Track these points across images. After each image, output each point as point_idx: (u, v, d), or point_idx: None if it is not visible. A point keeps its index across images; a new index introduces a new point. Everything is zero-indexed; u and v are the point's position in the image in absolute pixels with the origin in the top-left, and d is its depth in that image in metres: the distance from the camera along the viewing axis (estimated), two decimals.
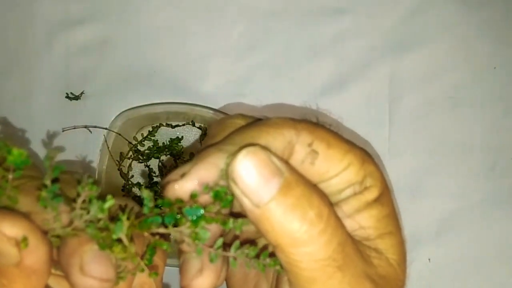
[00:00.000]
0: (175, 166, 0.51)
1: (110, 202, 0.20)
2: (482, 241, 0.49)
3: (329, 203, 0.21)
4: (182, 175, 0.21)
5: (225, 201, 0.21)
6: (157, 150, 0.51)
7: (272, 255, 0.22)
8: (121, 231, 0.20)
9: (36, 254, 0.20)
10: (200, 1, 0.52)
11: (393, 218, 0.24)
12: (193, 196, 0.21)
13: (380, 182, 0.23)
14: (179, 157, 0.51)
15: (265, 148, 0.20)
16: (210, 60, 0.52)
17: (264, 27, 0.52)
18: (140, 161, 0.51)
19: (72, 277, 0.21)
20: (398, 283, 0.23)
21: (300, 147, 0.22)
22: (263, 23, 0.52)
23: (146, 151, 0.51)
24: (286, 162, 0.21)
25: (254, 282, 0.27)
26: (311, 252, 0.20)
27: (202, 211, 0.21)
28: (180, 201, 0.21)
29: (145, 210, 0.21)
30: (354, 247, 0.22)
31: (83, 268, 0.21)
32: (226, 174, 0.20)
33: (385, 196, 0.24)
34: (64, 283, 0.25)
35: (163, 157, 0.52)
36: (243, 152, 0.20)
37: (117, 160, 0.50)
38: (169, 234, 0.21)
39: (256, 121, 0.24)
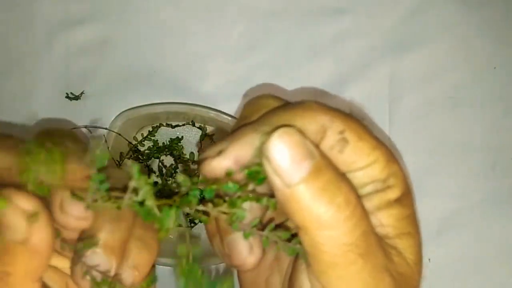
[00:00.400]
0: (175, 166, 0.51)
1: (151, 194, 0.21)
2: (482, 241, 0.49)
3: (356, 193, 0.22)
4: (219, 153, 0.22)
5: (258, 179, 0.21)
6: (157, 150, 0.51)
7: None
8: (169, 218, 0.21)
9: (42, 233, 0.21)
10: (200, 1, 0.52)
11: (413, 220, 0.24)
12: (228, 174, 0.22)
13: (402, 183, 0.24)
14: (179, 157, 0.51)
15: (299, 130, 0.21)
16: (210, 60, 0.52)
17: (264, 27, 0.52)
18: (140, 161, 0.51)
19: (53, 215, 0.22)
20: (414, 283, 0.24)
21: (332, 133, 0.22)
22: (263, 23, 0.52)
23: (146, 151, 0.51)
24: (318, 147, 0.21)
25: (267, 276, 0.27)
26: (335, 236, 0.20)
27: (238, 189, 0.21)
28: (215, 180, 0.22)
29: (183, 189, 0.21)
30: (377, 240, 0.22)
31: (62, 206, 0.22)
32: (260, 152, 0.21)
33: (407, 198, 0.24)
34: (59, 280, 0.26)
35: (163, 157, 0.52)
36: (278, 132, 0.20)
37: (117, 160, 0.50)
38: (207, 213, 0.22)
39: (288, 103, 0.25)
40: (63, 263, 0.26)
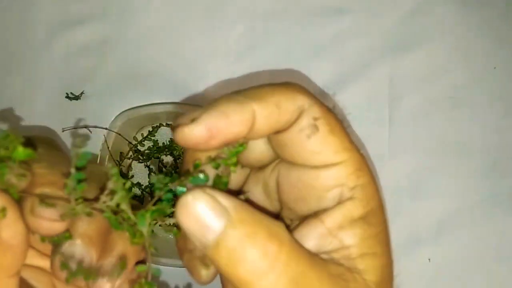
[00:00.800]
0: (175, 166, 0.51)
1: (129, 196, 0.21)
2: (482, 241, 0.49)
3: (281, 236, 0.21)
4: (193, 120, 0.21)
5: (222, 183, 0.22)
6: (157, 150, 0.51)
7: None
8: (144, 224, 0.21)
9: (13, 228, 0.21)
10: (200, 1, 0.52)
11: (381, 239, 0.23)
12: (196, 165, 0.22)
13: (371, 199, 0.23)
14: (179, 157, 0.51)
15: (210, 190, 0.21)
16: (210, 60, 0.52)
17: (264, 27, 0.52)
18: (140, 161, 0.51)
19: (25, 220, 0.22)
20: None
21: (306, 116, 0.22)
22: (263, 23, 0.52)
23: (146, 151, 0.51)
24: (233, 196, 0.21)
25: None
26: None
27: (205, 181, 0.22)
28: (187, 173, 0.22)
29: (157, 192, 0.22)
30: (321, 275, 0.21)
31: (33, 210, 0.22)
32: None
33: (375, 216, 0.23)
34: (45, 280, 0.26)
35: (163, 157, 0.52)
36: (186, 197, 0.20)
37: (117, 160, 0.50)
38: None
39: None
40: (49, 264, 0.26)
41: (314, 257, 0.22)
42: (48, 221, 0.22)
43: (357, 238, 0.22)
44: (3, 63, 0.53)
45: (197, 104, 0.50)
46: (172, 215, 0.21)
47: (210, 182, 0.23)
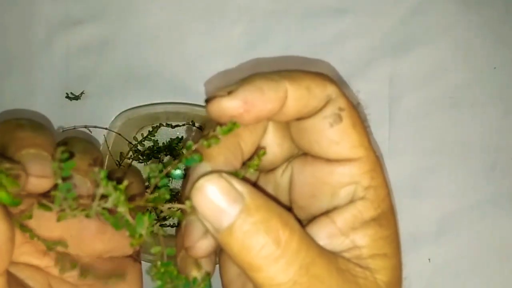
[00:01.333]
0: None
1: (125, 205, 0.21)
2: (482, 241, 0.49)
3: (292, 225, 0.21)
4: (229, 93, 0.22)
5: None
6: (157, 150, 0.51)
7: None
8: (143, 226, 0.21)
9: None
10: (200, 1, 0.52)
11: (392, 241, 0.23)
12: (188, 147, 0.22)
13: (383, 202, 0.23)
14: (179, 157, 0.51)
15: (226, 174, 0.21)
16: (210, 60, 0.52)
17: (264, 27, 0.52)
18: (140, 161, 0.51)
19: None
20: None
21: (332, 105, 0.22)
22: (263, 23, 0.52)
23: (146, 151, 0.51)
24: (249, 183, 0.21)
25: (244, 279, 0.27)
26: (270, 276, 0.20)
27: (198, 160, 0.22)
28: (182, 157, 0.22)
29: (153, 181, 0.22)
30: (330, 266, 0.21)
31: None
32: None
33: (386, 218, 0.23)
34: (42, 279, 0.26)
35: (163, 157, 0.52)
36: (203, 180, 0.20)
37: (117, 160, 0.50)
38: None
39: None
40: (45, 263, 0.25)
41: (324, 249, 0.22)
42: (36, 177, 0.22)
43: (368, 239, 0.23)
44: (3, 63, 0.53)
45: (197, 104, 0.50)
46: (172, 199, 0.22)
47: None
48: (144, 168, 0.22)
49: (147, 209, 0.22)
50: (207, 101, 0.23)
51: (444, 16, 0.51)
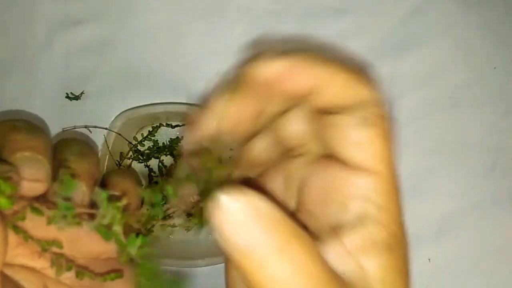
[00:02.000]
0: (175, 166, 0.51)
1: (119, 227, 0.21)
2: (482, 241, 0.49)
3: (310, 248, 0.20)
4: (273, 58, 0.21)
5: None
6: (157, 150, 0.51)
7: None
8: (134, 247, 0.21)
9: None
10: (200, 1, 0.52)
11: (402, 272, 0.22)
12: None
13: (395, 225, 0.21)
14: (179, 157, 0.51)
15: (248, 191, 0.19)
16: (210, 60, 0.52)
17: (264, 27, 0.52)
18: (140, 161, 0.51)
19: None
20: None
21: (366, 107, 0.21)
22: (263, 23, 0.52)
23: (146, 151, 0.51)
24: (272, 202, 0.20)
25: None
26: None
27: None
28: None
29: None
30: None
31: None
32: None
33: (397, 243, 0.21)
34: (37, 281, 0.25)
35: (163, 157, 0.52)
36: (223, 199, 0.18)
37: (117, 160, 0.50)
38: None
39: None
40: (41, 264, 0.25)
41: (337, 275, 0.21)
42: (29, 181, 0.22)
43: (377, 263, 0.21)
44: (3, 63, 0.53)
45: (197, 104, 0.50)
46: (166, 217, 0.21)
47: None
48: (144, 194, 0.22)
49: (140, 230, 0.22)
50: (248, 62, 0.21)
51: (444, 16, 0.51)
